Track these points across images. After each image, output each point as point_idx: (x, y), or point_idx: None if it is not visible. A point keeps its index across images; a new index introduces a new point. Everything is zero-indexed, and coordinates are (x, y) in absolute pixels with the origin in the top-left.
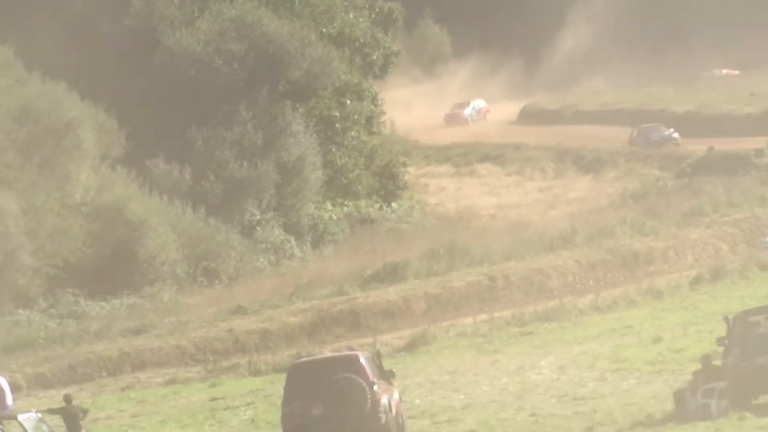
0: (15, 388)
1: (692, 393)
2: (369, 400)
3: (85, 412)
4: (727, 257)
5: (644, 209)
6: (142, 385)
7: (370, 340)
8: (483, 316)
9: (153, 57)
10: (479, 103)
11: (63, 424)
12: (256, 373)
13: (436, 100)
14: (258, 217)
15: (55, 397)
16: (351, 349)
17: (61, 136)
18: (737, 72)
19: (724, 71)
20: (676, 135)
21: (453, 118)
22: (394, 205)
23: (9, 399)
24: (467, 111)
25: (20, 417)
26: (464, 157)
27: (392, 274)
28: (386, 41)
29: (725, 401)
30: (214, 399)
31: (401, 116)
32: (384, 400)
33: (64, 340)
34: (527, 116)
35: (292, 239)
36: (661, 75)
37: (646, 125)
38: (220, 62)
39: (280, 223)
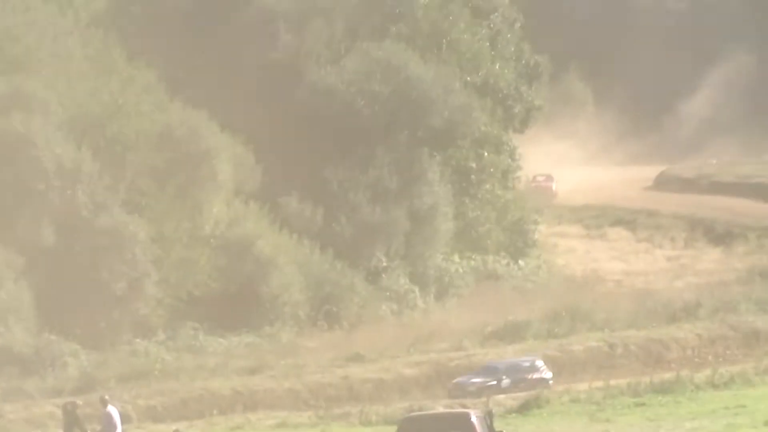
0: (125, 419)
1: None
2: None
3: None
4: None
5: None
6: (252, 426)
7: (483, 398)
8: (598, 383)
9: (295, 92)
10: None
11: None
12: (367, 423)
13: (573, 159)
14: (385, 264)
15: None
16: (464, 406)
17: (197, 165)
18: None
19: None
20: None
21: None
22: (521, 262)
23: (119, 430)
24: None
25: None
26: (596, 219)
27: (513, 332)
28: (529, 95)
29: None
30: None
31: (539, 173)
32: None
33: (179, 374)
34: (663, 183)
35: (417, 289)
36: None
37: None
38: (362, 103)
39: (407, 271)
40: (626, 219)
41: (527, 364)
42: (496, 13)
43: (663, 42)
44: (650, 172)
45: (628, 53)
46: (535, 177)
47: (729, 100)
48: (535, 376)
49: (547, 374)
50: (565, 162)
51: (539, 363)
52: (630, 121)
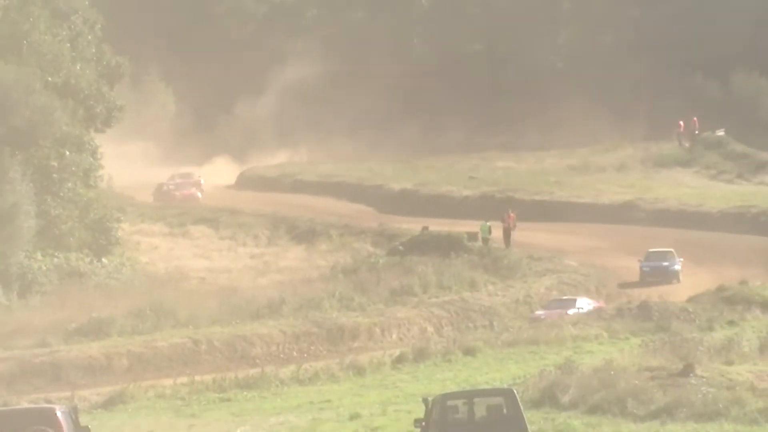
0: None
1: None
2: None
3: None
4: (432, 338)
5: (354, 284)
6: None
7: (68, 394)
8: (184, 379)
9: None
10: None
11: None
12: None
13: (157, 159)
14: None
15: None
16: (49, 402)
17: None
18: None
19: None
20: None
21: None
22: (104, 260)
23: None
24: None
25: None
26: (179, 217)
27: (97, 329)
28: (111, 95)
29: None
30: None
31: (120, 171)
32: None
33: None
34: (245, 181)
35: None
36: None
37: None
38: None
39: None
40: (209, 217)
41: None
42: (76, 15)
43: (235, 42)
44: (234, 171)
45: (205, 54)
46: (163, 185)
47: (296, 100)
48: None
49: None
50: (145, 161)
51: None
52: (203, 120)
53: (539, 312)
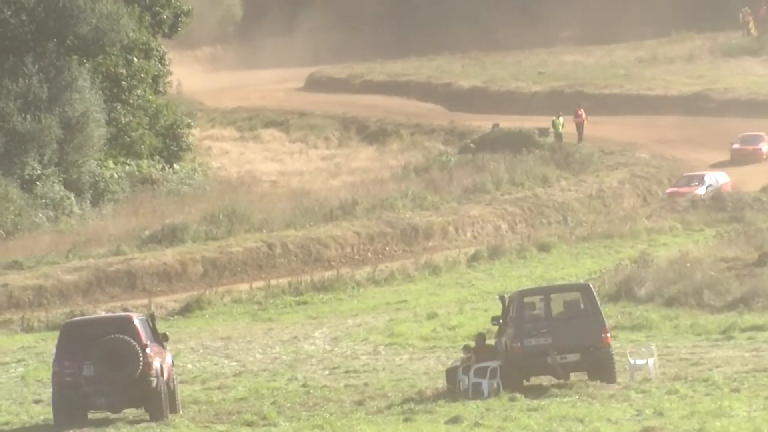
0: None
1: (464, 371)
2: (141, 363)
3: None
4: (506, 236)
5: (426, 183)
6: None
7: (145, 301)
8: (259, 283)
9: None
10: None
11: None
12: (29, 329)
13: (225, 64)
14: (39, 171)
15: None
16: (125, 310)
17: None
18: None
19: None
20: None
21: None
22: (176, 166)
23: None
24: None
25: None
26: (249, 121)
27: (171, 236)
28: (177, 0)
29: (497, 381)
30: None
31: (189, 77)
32: (156, 364)
33: None
34: (314, 83)
35: (72, 196)
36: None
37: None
38: (9, 13)
39: (61, 179)
40: (279, 120)
41: None
42: None
43: None
44: (301, 73)
45: None
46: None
47: None
48: None
49: None
50: (215, 66)
51: None
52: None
53: (670, 190)
